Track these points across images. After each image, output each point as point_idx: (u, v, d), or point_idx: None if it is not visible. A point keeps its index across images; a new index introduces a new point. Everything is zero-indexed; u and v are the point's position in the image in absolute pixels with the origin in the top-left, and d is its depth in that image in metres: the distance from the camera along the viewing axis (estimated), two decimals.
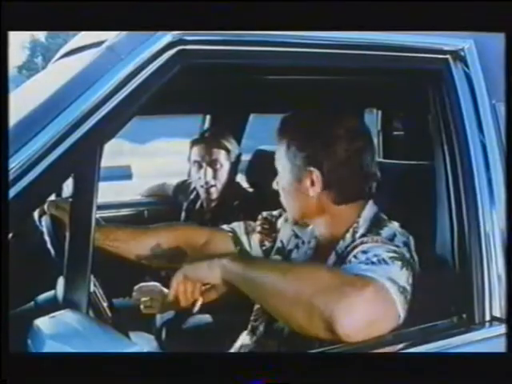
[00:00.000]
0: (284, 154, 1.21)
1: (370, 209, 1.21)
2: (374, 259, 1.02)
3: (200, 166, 2.01)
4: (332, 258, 1.18)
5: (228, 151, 2.02)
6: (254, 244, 1.39)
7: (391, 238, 1.12)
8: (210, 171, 1.99)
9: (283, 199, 1.26)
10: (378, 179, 1.21)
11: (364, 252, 1.05)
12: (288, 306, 0.97)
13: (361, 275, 0.98)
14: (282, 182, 1.24)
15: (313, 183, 1.17)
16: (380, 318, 0.97)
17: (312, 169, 1.16)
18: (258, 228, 1.40)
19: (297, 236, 1.33)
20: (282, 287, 0.99)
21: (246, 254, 1.39)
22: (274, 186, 1.27)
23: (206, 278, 1.10)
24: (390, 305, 0.98)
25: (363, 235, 1.15)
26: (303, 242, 1.30)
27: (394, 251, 1.06)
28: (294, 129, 1.21)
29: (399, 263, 1.03)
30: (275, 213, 1.41)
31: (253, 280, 1.03)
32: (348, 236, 1.18)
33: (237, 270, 1.05)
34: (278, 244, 1.36)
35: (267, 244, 1.38)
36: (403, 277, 1.01)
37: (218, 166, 2.00)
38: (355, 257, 1.05)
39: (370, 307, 0.95)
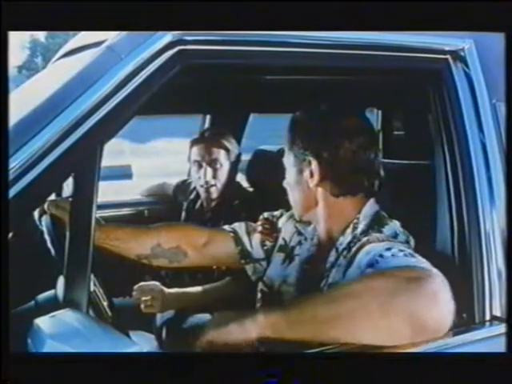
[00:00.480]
0: (289, 149, 1.23)
1: (370, 206, 1.20)
2: (401, 254, 1.01)
3: (200, 166, 2.01)
4: (333, 254, 1.18)
5: (228, 151, 2.02)
6: (255, 244, 1.39)
7: (394, 236, 1.12)
8: (209, 171, 1.99)
9: (289, 195, 1.27)
10: (382, 178, 1.22)
11: (388, 249, 1.03)
12: (361, 327, 0.92)
13: (415, 268, 0.96)
14: (288, 177, 1.25)
15: (312, 174, 1.18)
16: (450, 303, 0.94)
17: (311, 159, 1.18)
18: (259, 228, 1.40)
19: (300, 233, 1.33)
20: (344, 311, 0.93)
21: (247, 254, 1.39)
22: (284, 184, 1.28)
23: (238, 340, 0.98)
24: (448, 288, 0.95)
25: (364, 231, 1.15)
26: (306, 239, 1.31)
27: (408, 247, 1.07)
28: (301, 125, 1.23)
29: (419, 257, 1.03)
30: (276, 213, 1.41)
31: (305, 320, 0.95)
32: (348, 232, 1.18)
33: (278, 321, 0.96)
34: (281, 242, 1.36)
35: (268, 244, 1.38)
36: None
37: (218, 165, 2.00)
38: (381, 256, 1.02)
39: (444, 295, 0.93)
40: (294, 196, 1.26)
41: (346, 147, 1.16)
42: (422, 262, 0.99)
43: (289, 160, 1.24)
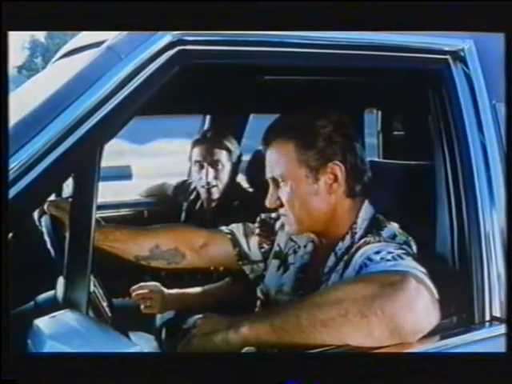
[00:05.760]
0: (298, 159, 1.17)
1: (366, 209, 1.21)
2: (389, 256, 1.02)
3: (201, 166, 2.00)
4: (331, 259, 1.18)
5: (229, 152, 2.02)
6: (252, 246, 1.39)
7: (392, 238, 1.12)
8: (211, 171, 1.99)
9: (290, 209, 1.19)
10: (370, 177, 1.22)
11: (377, 252, 1.05)
12: (342, 332, 0.93)
13: (393, 271, 0.98)
14: (288, 192, 1.18)
15: (336, 178, 1.16)
16: (431, 306, 0.95)
17: (337, 163, 1.16)
18: (257, 230, 1.40)
19: (292, 240, 1.32)
20: (325, 318, 0.94)
21: (245, 256, 1.39)
22: (274, 202, 1.21)
23: (223, 350, 0.99)
24: (431, 291, 0.97)
25: (363, 236, 1.15)
26: (299, 247, 1.30)
27: (401, 248, 1.06)
28: (289, 130, 1.19)
29: (410, 258, 1.03)
30: (274, 215, 1.40)
31: (289, 329, 0.96)
32: (347, 237, 1.18)
33: (263, 331, 0.97)
34: (276, 248, 1.36)
35: (266, 246, 1.38)
36: (420, 268, 1.01)
37: (220, 166, 1.99)
38: (369, 259, 1.04)
39: (420, 298, 0.94)
40: (299, 208, 1.18)
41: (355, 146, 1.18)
42: (404, 266, 0.99)
43: (292, 172, 1.17)
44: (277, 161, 1.20)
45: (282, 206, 1.21)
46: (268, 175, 1.22)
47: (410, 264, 1.00)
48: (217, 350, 0.99)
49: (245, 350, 0.95)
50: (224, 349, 0.99)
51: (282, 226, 1.34)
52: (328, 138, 1.16)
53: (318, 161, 1.16)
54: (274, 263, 1.34)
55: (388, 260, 1.02)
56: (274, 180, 1.20)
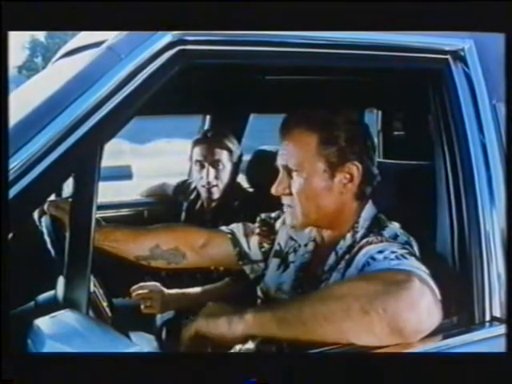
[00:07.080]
0: (316, 154, 1.17)
1: (369, 209, 1.21)
2: (393, 256, 1.02)
3: (202, 166, 2.00)
4: (332, 257, 1.18)
5: (230, 152, 2.01)
6: (252, 246, 1.39)
7: (394, 238, 1.12)
8: (212, 171, 1.99)
9: (298, 200, 1.19)
10: (378, 179, 1.22)
11: (380, 252, 1.05)
12: (343, 327, 0.93)
13: (397, 270, 0.98)
14: (301, 183, 1.18)
15: (352, 178, 1.17)
16: (433, 307, 0.95)
17: (356, 163, 1.17)
18: (257, 230, 1.40)
19: (292, 239, 1.33)
20: (327, 312, 0.94)
21: (245, 255, 1.39)
22: (282, 190, 1.21)
23: (224, 337, 0.99)
24: (434, 292, 0.96)
25: (365, 235, 1.15)
26: (299, 246, 1.30)
27: (404, 248, 1.06)
28: (310, 125, 1.18)
29: (413, 258, 1.03)
30: (273, 215, 1.41)
31: (291, 320, 0.96)
32: (348, 236, 1.18)
33: (266, 320, 0.98)
34: (276, 247, 1.36)
35: (266, 246, 1.38)
36: (423, 268, 1.01)
37: (221, 166, 1.99)
38: (373, 258, 1.05)
39: (423, 299, 0.93)
40: (307, 203, 1.19)
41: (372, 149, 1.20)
42: (408, 265, 0.99)
43: (310, 164, 1.17)
44: (295, 150, 1.18)
45: (290, 194, 1.20)
46: (281, 162, 1.21)
47: (413, 264, 1.00)
48: (218, 336, 0.99)
49: (244, 349, 0.96)
50: (226, 334, 0.98)
51: (284, 223, 1.34)
52: (351, 137, 1.17)
53: (337, 158, 1.16)
54: (274, 262, 1.34)
55: (392, 259, 1.02)
56: (287, 168, 1.20)
